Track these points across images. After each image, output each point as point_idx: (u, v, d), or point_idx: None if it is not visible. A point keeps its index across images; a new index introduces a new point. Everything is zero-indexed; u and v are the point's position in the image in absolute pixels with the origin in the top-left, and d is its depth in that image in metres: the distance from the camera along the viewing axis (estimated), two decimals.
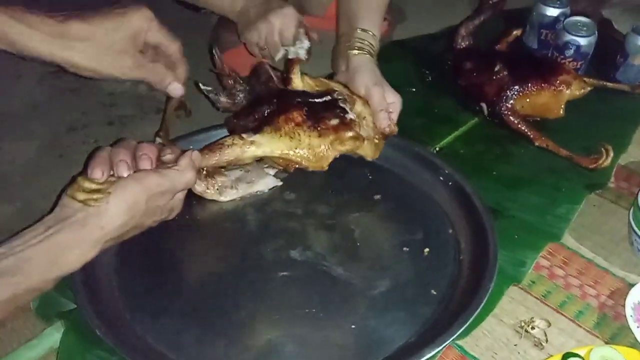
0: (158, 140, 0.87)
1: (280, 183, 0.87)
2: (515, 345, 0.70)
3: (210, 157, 0.77)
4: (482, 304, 0.69)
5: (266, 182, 0.87)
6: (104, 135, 1.04)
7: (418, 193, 0.89)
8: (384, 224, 0.85)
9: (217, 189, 0.84)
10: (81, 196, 0.63)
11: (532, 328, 0.71)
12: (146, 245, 0.78)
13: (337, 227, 0.83)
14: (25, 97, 1.12)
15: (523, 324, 0.72)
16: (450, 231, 0.83)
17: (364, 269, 0.77)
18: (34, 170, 0.97)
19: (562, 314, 0.73)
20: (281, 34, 0.94)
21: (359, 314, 0.72)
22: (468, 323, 0.67)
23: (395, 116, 0.88)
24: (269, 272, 0.76)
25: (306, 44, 0.91)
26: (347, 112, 0.84)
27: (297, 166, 0.82)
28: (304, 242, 0.80)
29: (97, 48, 0.68)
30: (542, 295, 0.75)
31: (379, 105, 0.85)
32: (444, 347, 0.66)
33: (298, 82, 0.85)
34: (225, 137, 0.80)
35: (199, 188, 0.82)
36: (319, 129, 0.81)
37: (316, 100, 0.84)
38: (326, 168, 0.83)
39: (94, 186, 0.64)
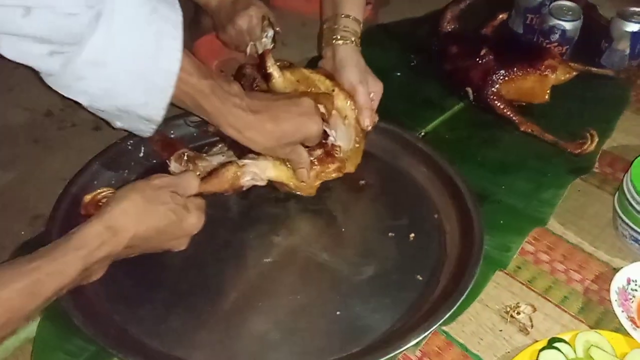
0: None
1: None
2: (500, 330, 0.70)
3: (210, 181, 0.76)
4: (468, 290, 0.69)
5: None
6: (81, 120, 1.01)
7: (403, 178, 0.88)
8: (369, 209, 0.84)
9: (198, 176, 0.82)
10: (88, 197, 0.68)
11: (518, 313, 0.71)
12: None
13: (322, 212, 0.82)
14: (1, 80, 1.09)
15: (509, 309, 0.71)
16: (436, 216, 0.82)
17: (349, 255, 0.76)
18: (9, 156, 0.94)
19: (547, 299, 0.73)
20: (249, 33, 0.97)
21: (344, 300, 0.71)
22: (454, 309, 0.67)
23: (376, 104, 0.88)
24: (253, 259, 0.75)
25: (270, 32, 0.91)
26: (327, 136, 0.83)
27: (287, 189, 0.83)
28: (288, 227, 0.79)
29: (274, 145, 0.75)
30: (528, 281, 0.75)
31: (364, 104, 0.85)
32: (430, 333, 0.66)
33: (278, 77, 0.83)
34: (221, 164, 0.78)
35: (179, 172, 0.80)
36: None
37: None
38: (314, 194, 0.83)
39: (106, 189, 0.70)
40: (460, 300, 0.68)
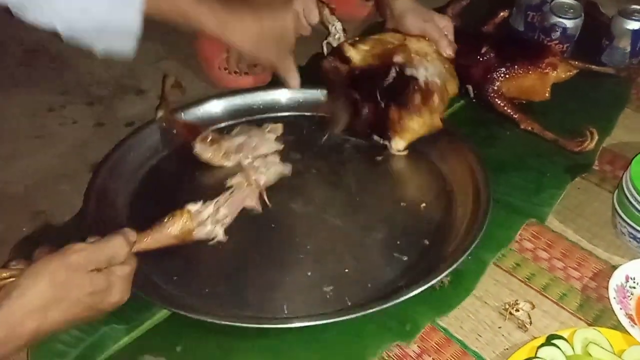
0: (159, 113, 0.89)
1: (282, 147, 0.89)
2: (499, 327, 0.70)
3: (149, 238, 0.68)
4: (472, 247, 0.72)
5: (268, 146, 0.89)
6: (83, 116, 1.02)
7: (417, 153, 0.91)
8: (383, 182, 0.88)
9: (223, 155, 0.86)
10: None
11: (517, 310, 0.71)
12: (157, 199, 0.81)
13: (338, 184, 0.87)
14: (3, 76, 1.09)
15: (507, 306, 0.72)
16: (448, 188, 0.85)
17: (361, 221, 0.81)
18: (10, 152, 0.95)
19: (546, 297, 0.73)
20: (306, 16, 0.98)
21: (353, 259, 0.75)
22: (455, 265, 0.70)
23: (451, 36, 0.96)
24: (270, 222, 0.80)
25: (338, 25, 0.98)
26: (416, 78, 0.88)
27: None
28: (305, 196, 0.84)
29: (257, 42, 0.77)
30: (527, 278, 0.75)
31: (439, 36, 0.93)
32: (431, 285, 0.68)
33: (356, 56, 0.89)
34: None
35: (205, 155, 0.86)
36: (415, 111, 0.87)
37: (387, 81, 0.88)
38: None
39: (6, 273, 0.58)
40: (462, 259, 0.71)
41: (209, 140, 0.86)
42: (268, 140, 0.89)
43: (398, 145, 0.89)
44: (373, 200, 0.84)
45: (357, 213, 0.82)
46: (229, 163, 0.87)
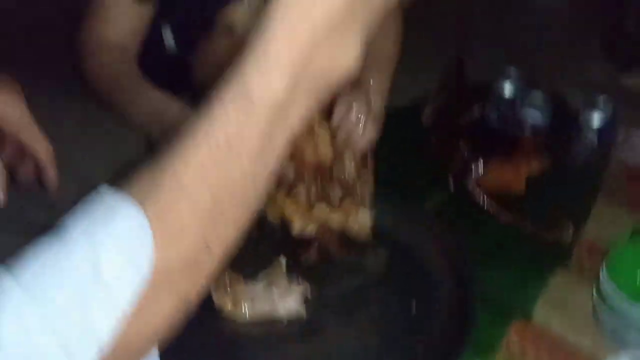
0: None
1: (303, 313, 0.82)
2: None
3: None
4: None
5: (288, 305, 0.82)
6: None
7: (402, 251, 0.91)
8: (369, 282, 0.88)
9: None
10: None
11: None
12: None
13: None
14: None
15: None
16: (433, 288, 0.86)
17: (352, 323, 0.82)
18: None
19: None
20: None
21: None
22: None
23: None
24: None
25: None
26: None
27: None
28: None
29: None
30: None
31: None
32: None
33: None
34: None
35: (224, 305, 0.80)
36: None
37: None
38: None
39: None
40: None
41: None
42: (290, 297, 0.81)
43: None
44: (361, 300, 0.84)
45: (348, 315, 0.82)
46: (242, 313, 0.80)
